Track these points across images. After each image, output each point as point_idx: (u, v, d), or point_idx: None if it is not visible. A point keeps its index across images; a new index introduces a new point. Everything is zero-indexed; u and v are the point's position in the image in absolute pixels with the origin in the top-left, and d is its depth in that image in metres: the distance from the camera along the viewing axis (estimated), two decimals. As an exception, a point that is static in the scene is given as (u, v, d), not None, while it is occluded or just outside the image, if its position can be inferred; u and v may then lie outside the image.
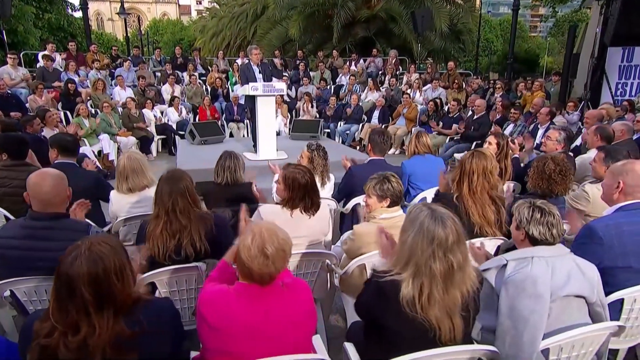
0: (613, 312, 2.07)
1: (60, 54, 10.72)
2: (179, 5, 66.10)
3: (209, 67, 12.07)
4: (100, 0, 58.66)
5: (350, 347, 1.90)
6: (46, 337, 1.34)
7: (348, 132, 9.71)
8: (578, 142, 5.68)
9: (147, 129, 8.52)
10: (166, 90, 10.11)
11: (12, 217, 3.03)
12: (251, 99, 6.25)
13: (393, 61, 12.20)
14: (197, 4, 65.85)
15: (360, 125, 9.70)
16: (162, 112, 9.38)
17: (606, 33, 8.66)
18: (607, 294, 2.02)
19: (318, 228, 2.70)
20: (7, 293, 2.12)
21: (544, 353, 1.79)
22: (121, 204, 3.10)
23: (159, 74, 11.14)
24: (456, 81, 10.46)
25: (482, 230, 2.66)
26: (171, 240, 2.27)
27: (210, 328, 1.57)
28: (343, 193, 3.93)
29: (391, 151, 8.78)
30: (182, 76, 11.04)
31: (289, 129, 9.27)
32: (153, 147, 8.63)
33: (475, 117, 7.88)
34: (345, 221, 3.77)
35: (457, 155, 6.77)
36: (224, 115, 9.84)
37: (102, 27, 57.40)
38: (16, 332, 2.29)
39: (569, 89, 10.41)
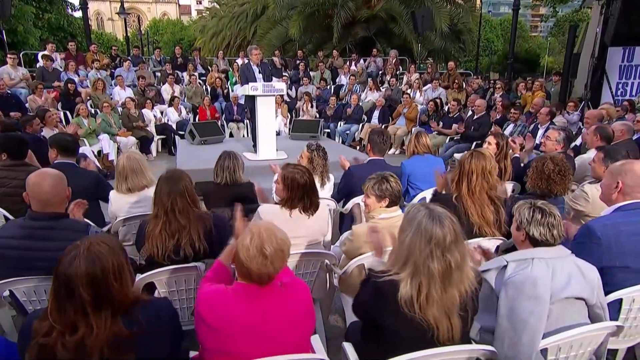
0: (612, 312, 2.06)
1: (60, 54, 10.72)
2: (179, 5, 66.05)
3: (209, 67, 12.05)
4: (100, 0, 58.68)
5: (348, 347, 1.90)
6: (44, 336, 1.34)
7: (348, 132, 9.70)
8: (578, 142, 5.68)
9: (147, 128, 8.52)
10: (166, 90, 10.11)
11: (11, 217, 3.03)
12: (251, 99, 6.25)
13: (393, 61, 12.19)
14: (197, 3, 65.80)
15: (360, 125, 9.70)
16: (162, 112, 9.38)
17: (606, 33, 8.64)
18: (605, 293, 2.01)
19: (317, 228, 2.70)
20: (7, 293, 2.13)
21: (542, 353, 1.79)
22: (120, 204, 3.09)
23: (158, 74, 11.13)
24: (456, 81, 10.45)
25: (481, 230, 2.66)
26: (170, 240, 2.27)
27: (208, 328, 1.58)
28: (342, 193, 3.93)
29: (391, 151, 8.78)
30: (182, 76, 11.04)
31: (289, 129, 9.27)
32: (153, 147, 8.63)
33: (475, 117, 7.87)
34: (344, 221, 3.76)
35: (457, 155, 6.76)
36: (224, 115, 9.83)
37: (102, 27, 57.34)
38: (15, 332, 2.30)
39: (569, 89, 10.38)
